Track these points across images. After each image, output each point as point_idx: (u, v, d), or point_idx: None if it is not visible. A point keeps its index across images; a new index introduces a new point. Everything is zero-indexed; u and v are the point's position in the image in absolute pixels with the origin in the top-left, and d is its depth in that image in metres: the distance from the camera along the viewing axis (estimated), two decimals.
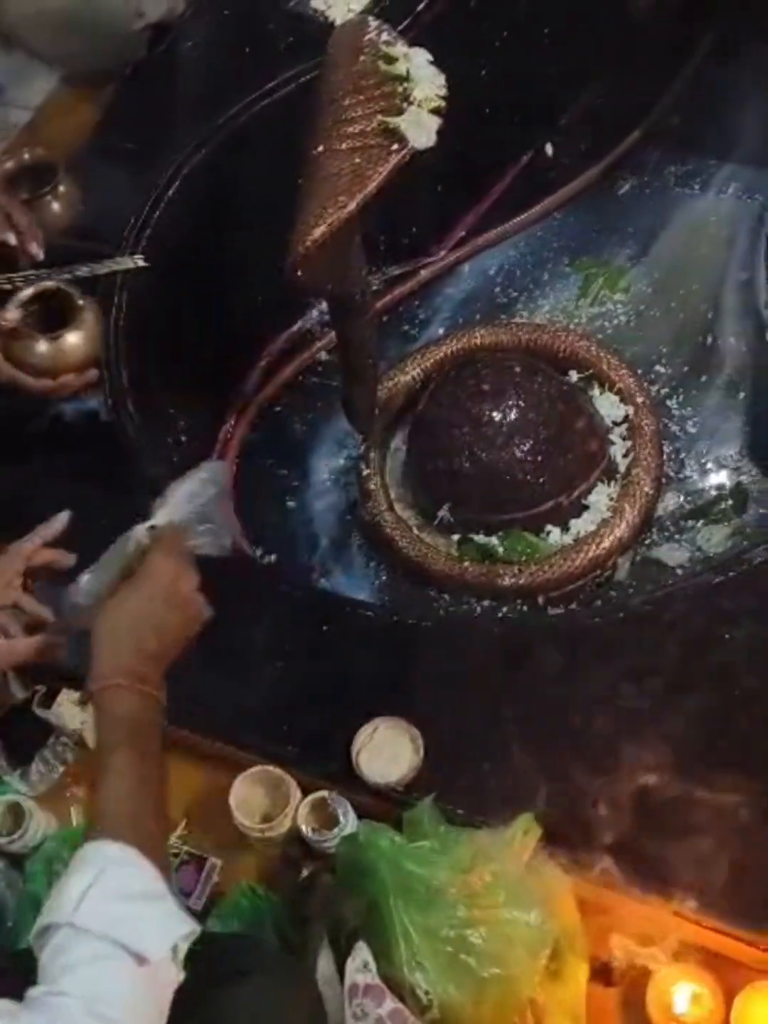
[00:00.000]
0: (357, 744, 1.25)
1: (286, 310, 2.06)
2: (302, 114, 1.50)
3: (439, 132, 1.42)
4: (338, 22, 1.84)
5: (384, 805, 1.24)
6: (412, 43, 1.74)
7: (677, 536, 1.80)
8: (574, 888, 1.16)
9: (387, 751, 1.25)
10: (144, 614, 1.04)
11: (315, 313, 2.07)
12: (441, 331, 2.07)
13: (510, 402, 1.77)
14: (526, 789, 1.21)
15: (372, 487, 1.87)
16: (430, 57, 1.45)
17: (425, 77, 1.42)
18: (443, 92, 1.41)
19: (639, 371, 1.92)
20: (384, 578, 1.83)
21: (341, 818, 1.23)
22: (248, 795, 1.27)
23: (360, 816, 1.24)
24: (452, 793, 1.21)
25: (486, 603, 1.76)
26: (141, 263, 1.65)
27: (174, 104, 1.83)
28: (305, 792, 1.26)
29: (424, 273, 2.13)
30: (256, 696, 1.31)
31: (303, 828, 1.23)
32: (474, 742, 1.26)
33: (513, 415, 1.76)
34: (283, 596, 1.38)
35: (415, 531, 1.83)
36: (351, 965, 1.07)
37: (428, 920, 1.09)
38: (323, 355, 2.06)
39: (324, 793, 1.24)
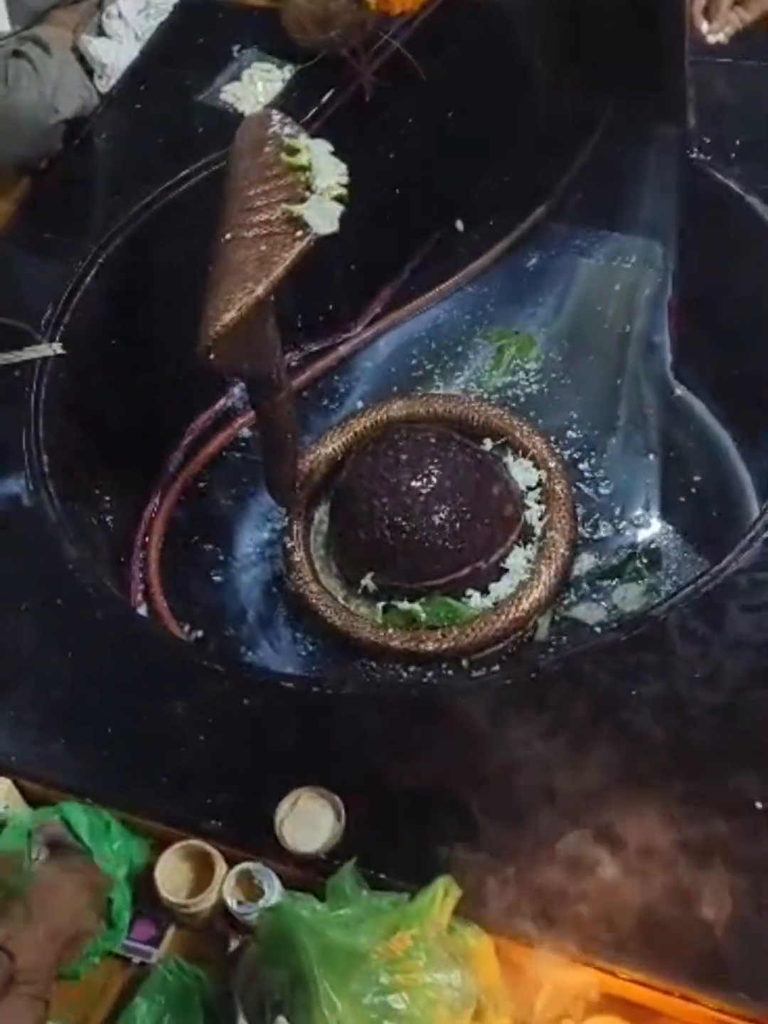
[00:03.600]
0: (279, 814, 1.26)
1: (208, 389, 2.11)
2: (214, 201, 1.56)
3: (353, 212, 1.49)
4: (247, 113, 1.91)
5: (309, 874, 1.26)
6: (319, 133, 1.82)
7: (594, 595, 1.85)
8: (495, 946, 1.18)
9: (309, 820, 1.26)
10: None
11: (237, 390, 2.11)
12: (360, 404, 2.13)
13: (427, 471, 1.82)
14: (446, 850, 1.23)
15: (297, 559, 1.91)
16: (331, 147, 1.52)
17: (326, 167, 1.49)
18: (344, 180, 1.48)
19: (551, 437, 1.99)
20: (311, 648, 1.87)
21: (266, 889, 1.24)
22: (174, 870, 1.27)
23: (286, 886, 1.25)
24: (374, 858, 1.23)
25: (412, 669, 1.80)
26: (59, 350, 1.69)
27: (90, 195, 1.87)
28: (230, 864, 1.27)
29: (342, 349, 2.20)
30: (179, 771, 1.32)
31: (229, 901, 1.24)
32: (394, 806, 1.28)
33: (430, 484, 1.81)
34: (203, 671, 1.40)
35: (340, 601, 1.87)
36: None
37: (351, 988, 1.10)
38: (245, 431, 2.10)
39: (249, 865, 1.26)
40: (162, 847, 1.29)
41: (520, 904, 1.19)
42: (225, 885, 1.25)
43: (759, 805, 1.21)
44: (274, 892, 1.24)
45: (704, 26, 1.79)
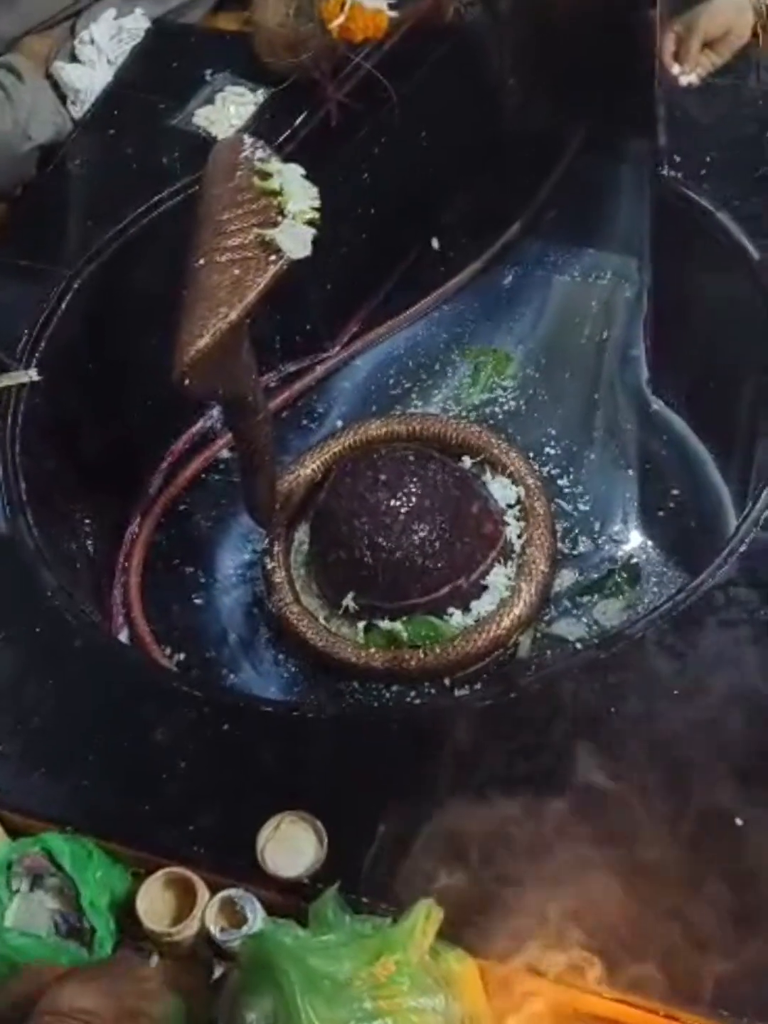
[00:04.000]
0: (262, 840, 1.26)
1: (186, 411, 2.11)
2: (189, 225, 1.57)
3: (329, 233, 1.49)
4: (221, 137, 1.91)
5: (292, 899, 1.26)
6: (292, 155, 1.83)
7: (574, 611, 1.86)
8: (480, 968, 1.18)
9: (292, 845, 1.26)
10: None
11: (215, 412, 2.11)
12: (339, 424, 2.14)
13: (406, 490, 1.82)
14: (430, 873, 1.23)
15: (278, 580, 1.91)
16: (303, 171, 1.52)
17: (298, 191, 1.49)
18: (316, 204, 1.49)
19: (529, 453, 2.00)
20: (293, 670, 1.86)
21: (249, 916, 1.24)
22: (155, 899, 1.27)
23: (269, 912, 1.25)
24: (357, 882, 1.23)
25: (395, 688, 1.80)
26: (35, 377, 1.69)
27: (65, 220, 1.87)
28: (213, 891, 1.27)
29: (320, 369, 2.20)
30: (160, 798, 1.32)
31: (211, 928, 1.24)
32: (377, 829, 1.27)
33: (410, 503, 1.81)
34: (182, 696, 1.40)
35: (322, 621, 1.87)
36: None
37: (334, 1015, 1.09)
38: (225, 453, 2.10)
39: (231, 891, 1.25)
40: (144, 875, 1.28)
41: (504, 926, 1.19)
42: (208, 912, 1.25)
43: (740, 821, 1.21)
44: (257, 918, 1.23)
45: (675, 69, 1.80)
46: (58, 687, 1.42)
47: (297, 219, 1.45)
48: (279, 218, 1.46)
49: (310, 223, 1.46)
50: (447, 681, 1.79)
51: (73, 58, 2.05)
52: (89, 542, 1.87)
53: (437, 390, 2.17)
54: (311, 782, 1.32)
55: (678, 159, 1.81)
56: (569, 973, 1.17)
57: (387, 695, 1.79)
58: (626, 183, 2.21)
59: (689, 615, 1.37)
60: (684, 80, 1.83)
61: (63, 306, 1.78)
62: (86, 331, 1.82)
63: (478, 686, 1.79)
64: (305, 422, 2.17)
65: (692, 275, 1.87)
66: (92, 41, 2.02)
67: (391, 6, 1.67)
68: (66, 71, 2.01)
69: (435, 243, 2.34)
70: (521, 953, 1.17)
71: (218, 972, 1.27)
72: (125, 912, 1.29)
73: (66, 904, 1.30)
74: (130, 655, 1.65)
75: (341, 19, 1.59)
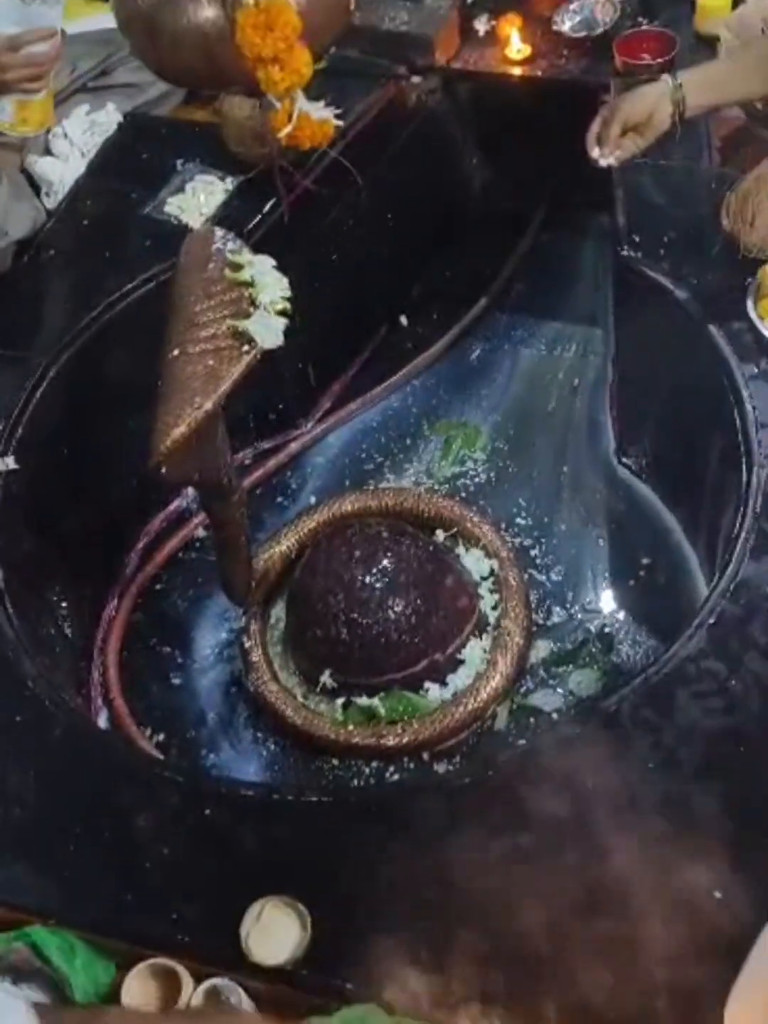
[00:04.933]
0: (245, 926, 1.26)
1: (162, 491, 2.13)
2: (162, 310, 1.60)
3: (300, 314, 1.53)
4: (192, 224, 1.96)
5: (277, 985, 1.26)
6: (262, 239, 1.87)
7: (550, 682, 1.88)
8: None
9: (275, 930, 1.26)
10: None
11: (190, 491, 2.14)
12: (313, 500, 2.17)
13: (380, 566, 1.84)
14: (413, 955, 1.24)
15: (255, 658, 1.92)
16: (273, 262, 1.56)
17: (269, 281, 1.53)
18: (287, 294, 1.52)
19: (501, 525, 2.03)
20: (272, 748, 1.87)
21: (233, 1005, 1.24)
22: (141, 990, 1.27)
23: (254, 999, 1.25)
24: (341, 966, 1.23)
25: (374, 764, 1.81)
26: (11, 465, 1.71)
27: (39, 310, 1.91)
28: (198, 981, 1.27)
29: (294, 446, 2.24)
30: (143, 887, 1.32)
31: None
32: (360, 912, 1.28)
33: (384, 578, 1.84)
34: (163, 782, 1.40)
35: (300, 699, 1.88)
36: None
37: None
38: (200, 531, 2.13)
39: (215, 980, 1.25)
40: (128, 965, 1.28)
41: (489, 1007, 1.19)
42: (192, 1002, 1.25)
43: (718, 895, 1.23)
44: (242, 1007, 1.23)
45: (594, 151, 1.78)
46: (40, 777, 1.42)
47: (269, 309, 1.49)
48: (251, 309, 1.49)
49: (282, 313, 1.50)
50: (426, 756, 1.80)
51: (47, 151, 2.09)
52: (67, 625, 1.88)
53: (409, 464, 2.21)
54: (293, 865, 1.32)
55: (637, 238, 1.86)
56: None
57: (367, 771, 1.80)
58: (588, 257, 2.28)
59: (662, 688, 1.40)
60: (603, 162, 1.79)
61: (39, 394, 1.81)
62: (62, 418, 1.84)
63: (457, 759, 1.80)
64: (279, 498, 2.20)
65: (654, 348, 1.92)
66: (65, 135, 2.07)
67: (338, 115, 1.71)
68: (40, 164, 2.06)
69: (404, 320, 2.40)
70: None
71: None
72: (110, 1004, 1.28)
73: (49, 997, 1.29)
74: (110, 742, 1.65)
75: (288, 129, 1.63)
